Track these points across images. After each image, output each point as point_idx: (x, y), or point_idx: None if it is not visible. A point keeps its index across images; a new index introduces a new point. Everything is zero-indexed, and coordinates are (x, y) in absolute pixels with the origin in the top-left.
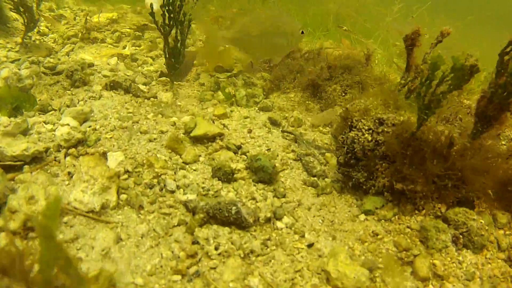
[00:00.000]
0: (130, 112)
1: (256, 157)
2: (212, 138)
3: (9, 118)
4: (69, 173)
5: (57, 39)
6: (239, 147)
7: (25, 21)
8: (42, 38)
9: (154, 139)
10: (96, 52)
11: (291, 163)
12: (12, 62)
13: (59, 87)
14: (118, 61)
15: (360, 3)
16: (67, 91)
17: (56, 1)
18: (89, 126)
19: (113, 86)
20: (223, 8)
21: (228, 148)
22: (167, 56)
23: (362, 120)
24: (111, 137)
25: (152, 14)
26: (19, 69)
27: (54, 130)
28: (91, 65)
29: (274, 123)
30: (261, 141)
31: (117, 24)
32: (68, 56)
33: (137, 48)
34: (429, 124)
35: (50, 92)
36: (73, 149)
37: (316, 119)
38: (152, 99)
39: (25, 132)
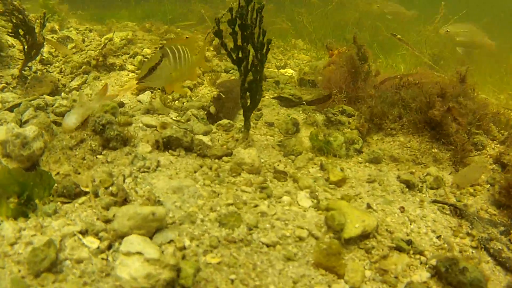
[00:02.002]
0: (216, 194)
1: (453, 262)
2: (368, 235)
3: (16, 224)
4: None
5: (64, 69)
6: (409, 242)
7: (25, 47)
8: (45, 68)
9: (294, 255)
10: (116, 84)
11: (472, 253)
12: (9, 109)
13: (84, 150)
14: (152, 96)
15: (380, 10)
16: (99, 157)
17: (58, 21)
18: (169, 243)
19: (167, 143)
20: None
21: (399, 249)
22: (244, 93)
23: None
24: (219, 263)
25: (218, 32)
26: (20, 124)
27: (106, 258)
28: (121, 104)
29: (409, 186)
30: (421, 223)
31: (133, 45)
32: (80, 90)
33: None
34: None
35: (73, 160)
36: None
37: (461, 178)
38: (225, 159)
39: (51, 267)
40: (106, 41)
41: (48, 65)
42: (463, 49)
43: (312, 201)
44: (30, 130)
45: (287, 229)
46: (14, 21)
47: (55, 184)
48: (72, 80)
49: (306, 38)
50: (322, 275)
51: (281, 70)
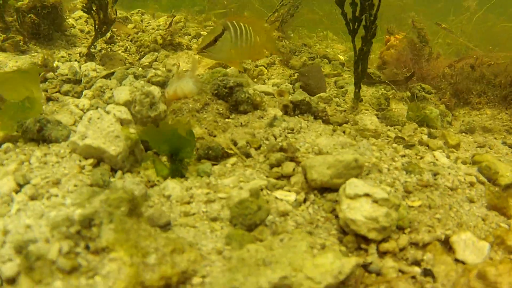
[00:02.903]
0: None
1: None
2: None
3: (182, 183)
4: None
5: (129, 47)
6: None
7: (96, 23)
8: (109, 47)
9: (473, 197)
10: (188, 62)
11: None
12: (105, 77)
13: (213, 113)
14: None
15: (402, 2)
16: (228, 121)
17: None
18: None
19: (294, 108)
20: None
21: None
22: (357, 65)
23: None
24: (420, 205)
25: (339, 1)
26: (142, 86)
27: (307, 209)
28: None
29: None
30: None
31: (190, 28)
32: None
33: None
34: None
35: (203, 122)
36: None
37: None
38: (345, 125)
39: (263, 220)
40: (170, 19)
41: (112, 44)
42: None
43: (448, 159)
44: (155, 90)
45: (459, 175)
46: None
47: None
48: (141, 58)
49: (338, 29)
50: (496, 215)
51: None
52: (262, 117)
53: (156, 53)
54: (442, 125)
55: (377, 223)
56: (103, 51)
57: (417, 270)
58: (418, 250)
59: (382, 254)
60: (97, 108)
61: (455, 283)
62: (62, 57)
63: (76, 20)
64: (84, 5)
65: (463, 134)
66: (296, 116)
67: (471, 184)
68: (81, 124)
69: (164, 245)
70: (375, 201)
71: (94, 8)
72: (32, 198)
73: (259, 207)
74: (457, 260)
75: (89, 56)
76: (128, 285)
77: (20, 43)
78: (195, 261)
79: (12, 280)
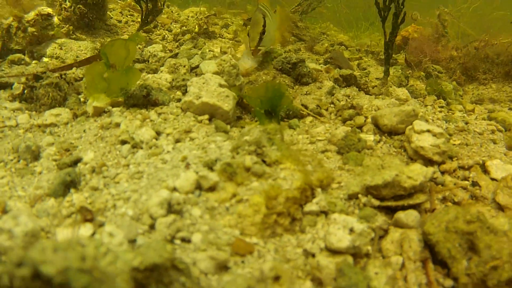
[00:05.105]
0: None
1: None
2: None
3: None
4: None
5: (166, 36)
6: None
7: (144, 12)
8: (148, 36)
9: (497, 140)
10: (223, 48)
11: None
12: (172, 57)
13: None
14: None
15: None
16: (293, 90)
17: None
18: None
19: (343, 81)
20: None
21: None
22: (387, 46)
23: None
24: (459, 143)
25: None
26: (191, 69)
27: (383, 144)
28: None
29: None
30: None
31: (217, 19)
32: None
33: None
34: None
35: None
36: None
37: None
38: (380, 97)
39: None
40: (201, 10)
41: (150, 33)
42: None
43: (466, 118)
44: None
45: (482, 125)
46: None
47: None
48: (181, 45)
49: (340, 20)
50: None
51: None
52: (320, 88)
53: (195, 41)
54: (455, 98)
55: (438, 148)
56: (143, 36)
57: (467, 183)
58: (465, 171)
59: (442, 172)
60: (195, 76)
61: (495, 190)
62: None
63: (110, 11)
64: None
65: (474, 104)
66: (346, 88)
67: (492, 132)
68: (193, 86)
69: (311, 160)
70: (434, 134)
71: None
72: (177, 141)
73: (358, 139)
74: (492, 179)
75: None
76: (301, 183)
77: (70, 32)
78: (330, 172)
79: (211, 189)
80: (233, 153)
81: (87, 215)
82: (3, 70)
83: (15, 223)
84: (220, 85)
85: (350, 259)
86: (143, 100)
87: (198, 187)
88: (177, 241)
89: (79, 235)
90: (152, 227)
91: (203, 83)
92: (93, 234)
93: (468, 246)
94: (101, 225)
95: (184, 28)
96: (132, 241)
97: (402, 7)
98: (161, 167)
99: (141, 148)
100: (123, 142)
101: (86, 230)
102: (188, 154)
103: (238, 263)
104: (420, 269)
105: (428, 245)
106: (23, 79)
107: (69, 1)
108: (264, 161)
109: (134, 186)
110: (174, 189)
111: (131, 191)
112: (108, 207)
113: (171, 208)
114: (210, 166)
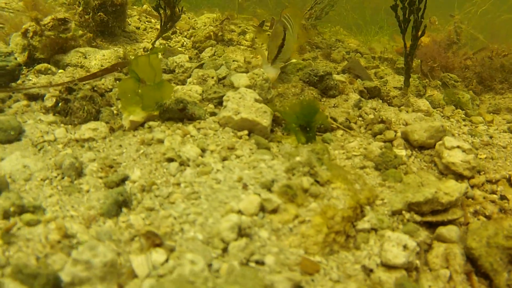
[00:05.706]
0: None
1: None
2: None
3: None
4: None
5: (185, 43)
6: None
7: (163, 19)
8: (167, 43)
9: None
10: (246, 56)
11: None
12: (198, 67)
13: (309, 96)
14: None
15: None
16: (321, 103)
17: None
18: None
19: (367, 93)
20: None
21: None
22: (408, 57)
23: None
24: (485, 157)
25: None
26: (218, 79)
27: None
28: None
29: None
30: None
31: (232, 25)
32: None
33: None
34: None
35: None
36: None
37: None
38: (402, 108)
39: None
40: (218, 16)
41: (169, 40)
42: None
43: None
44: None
45: (505, 138)
46: None
47: None
48: (200, 52)
49: (349, 24)
50: None
51: None
52: (347, 100)
53: (214, 48)
54: (473, 108)
55: (469, 164)
56: (162, 47)
57: (495, 196)
58: (492, 184)
59: (471, 187)
60: (228, 91)
61: None
62: (129, 52)
63: (128, 18)
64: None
65: (491, 114)
66: (370, 99)
67: None
68: (230, 101)
69: (357, 178)
70: (464, 150)
71: (162, 6)
72: (224, 159)
73: (394, 156)
74: None
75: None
76: (352, 202)
77: (91, 40)
78: (374, 190)
79: (274, 210)
80: (288, 174)
81: (155, 239)
82: (30, 80)
83: (93, 254)
84: (256, 100)
85: (405, 273)
86: (179, 114)
87: (262, 209)
88: (252, 264)
89: (152, 261)
90: (224, 250)
91: (240, 98)
92: (167, 260)
93: (509, 260)
94: (172, 249)
95: (202, 34)
96: (208, 266)
97: (422, 19)
98: (217, 188)
99: (188, 165)
100: (170, 160)
101: (158, 255)
102: (241, 174)
103: (309, 282)
104: (465, 281)
105: (470, 258)
106: (56, 92)
107: (81, 6)
108: (317, 181)
109: (195, 208)
110: (239, 212)
111: (194, 213)
112: (176, 231)
113: (240, 232)
114: (268, 188)
